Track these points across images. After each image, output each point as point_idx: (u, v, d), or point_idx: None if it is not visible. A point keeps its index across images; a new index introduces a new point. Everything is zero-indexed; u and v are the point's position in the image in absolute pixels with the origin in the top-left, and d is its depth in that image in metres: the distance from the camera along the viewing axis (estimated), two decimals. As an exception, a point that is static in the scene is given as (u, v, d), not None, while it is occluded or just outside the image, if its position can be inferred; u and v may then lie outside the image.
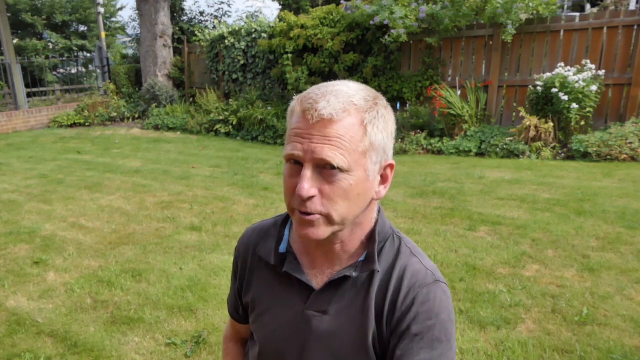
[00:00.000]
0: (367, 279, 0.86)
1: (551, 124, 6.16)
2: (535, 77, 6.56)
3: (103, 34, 13.76)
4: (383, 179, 0.85)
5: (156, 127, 9.89)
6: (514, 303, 2.75)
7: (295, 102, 0.81)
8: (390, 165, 0.85)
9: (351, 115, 0.76)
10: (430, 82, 7.52)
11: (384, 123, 0.81)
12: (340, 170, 0.76)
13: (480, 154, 6.55)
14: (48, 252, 3.73)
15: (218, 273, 3.26)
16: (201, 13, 12.71)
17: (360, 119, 0.77)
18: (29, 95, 11.45)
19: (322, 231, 0.79)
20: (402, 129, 7.24)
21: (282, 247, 0.92)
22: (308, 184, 0.75)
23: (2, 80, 11.38)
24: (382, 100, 0.83)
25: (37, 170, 6.62)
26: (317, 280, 0.89)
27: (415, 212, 4.32)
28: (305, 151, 0.75)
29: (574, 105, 5.89)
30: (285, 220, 0.96)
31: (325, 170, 0.76)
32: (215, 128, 9.13)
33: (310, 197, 0.76)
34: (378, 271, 0.85)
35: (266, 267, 0.94)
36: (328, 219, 0.78)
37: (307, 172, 0.75)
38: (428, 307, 0.82)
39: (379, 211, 0.92)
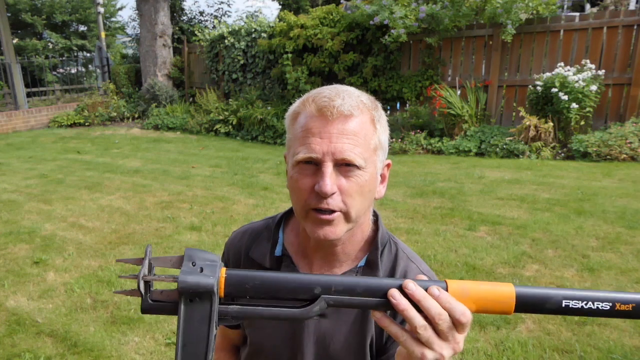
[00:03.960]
0: None
1: (551, 124, 6.16)
2: (535, 77, 6.56)
3: (103, 34, 13.76)
4: (382, 178, 0.86)
5: (156, 127, 9.89)
6: (514, 303, 2.75)
7: (303, 104, 0.80)
8: (388, 165, 0.87)
9: (363, 113, 0.78)
10: (430, 82, 7.52)
11: (385, 124, 0.84)
12: (358, 167, 0.76)
13: (480, 154, 6.55)
14: (48, 252, 3.73)
15: (218, 273, 3.26)
16: (201, 13, 12.72)
17: (371, 117, 0.80)
18: (29, 95, 11.45)
19: (340, 230, 0.79)
20: (402, 129, 7.24)
21: (278, 251, 0.92)
22: (331, 180, 0.75)
23: (2, 80, 11.38)
24: (379, 103, 0.86)
25: (37, 170, 6.62)
26: None
27: (415, 212, 4.32)
28: (324, 152, 0.75)
29: (574, 105, 5.89)
30: (279, 223, 0.95)
31: (343, 167, 0.76)
32: (215, 128, 9.13)
33: (332, 194, 0.76)
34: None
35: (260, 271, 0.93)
36: (346, 217, 0.78)
37: (329, 170, 0.75)
38: None
39: (376, 216, 0.92)
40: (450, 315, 0.58)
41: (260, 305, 0.62)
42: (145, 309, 0.60)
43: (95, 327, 2.69)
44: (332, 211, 0.77)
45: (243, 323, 0.96)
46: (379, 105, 0.84)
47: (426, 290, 0.59)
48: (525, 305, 0.61)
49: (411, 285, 0.59)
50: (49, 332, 2.65)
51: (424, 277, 0.62)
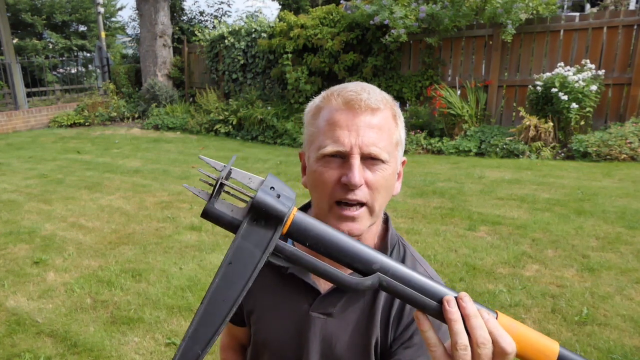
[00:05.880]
0: None
1: (551, 124, 6.16)
2: (535, 77, 6.56)
3: (103, 34, 13.76)
4: (398, 175, 0.86)
5: (156, 127, 9.89)
6: (514, 303, 2.75)
7: (328, 98, 0.80)
8: (403, 162, 0.88)
9: (387, 108, 0.80)
10: (430, 82, 7.52)
11: (403, 121, 0.85)
12: (383, 161, 0.77)
13: (480, 154, 6.55)
14: (48, 252, 3.73)
15: (218, 273, 3.26)
16: (201, 13, 12.72)
17: (393, 113, 0.81)
18: (29, 95, 11.46)
19: (364, 225, 0.79)
20: (402, 129, 7.24)
21: None
22: (359, 172, 0.75)
23: (2, 80, 11.39)
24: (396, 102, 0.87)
25: (37, 170, 6.62)
26: (324, 280, 0.88)
27: (415, 212, 4.32)
28: (352, 144, 0.75)
29: (574, 105, 5.89)
30: None
31: (369, 160, 0.77)
32: (215, 128, 9.13)
33: (360, 186, 0.76)
34: None
35: (268, 268, 0.92)
36: (370, 211, 0.78)
37: (357, 162, 0.75)
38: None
39: (387, 217, 0.92)
40: (495, 343, 0.56)
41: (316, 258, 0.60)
42: (206, 213, 0.59)
43: (95, 327, 2.69)
44: (358, 205, 0.77)
45: (250, 319, 0.96)
46: (395, 103, 0.86)
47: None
48: None
49: (467, 299, 0.58)
50: (49, 332, 2.65)
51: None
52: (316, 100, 0.83)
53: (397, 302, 0.85)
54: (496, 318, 0.59)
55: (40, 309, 2.90)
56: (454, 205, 4.44)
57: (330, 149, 0.76)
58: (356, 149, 0.75)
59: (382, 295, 0.86)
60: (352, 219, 0.77)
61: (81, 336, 2.60)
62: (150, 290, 3.07)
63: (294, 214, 0.59)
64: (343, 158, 0.76)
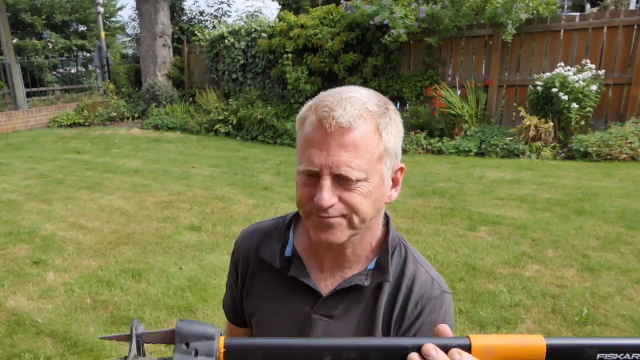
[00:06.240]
0: (377, 287, 0.86)
1: (551, 123, 6.16)
2: (535, 77, 6.55)
3: (103, 34, 13.75)
4: (394, 182, 0.85)
5: (156, 127, 9.89)
6: (514, 303, 2.75)
7: (308, 111, 0.79)
8: (401, 169, 0.86)
9: (367, 122, 0.75)
10: (430, 82, 7.51)
11: (395, 128, 0.81)
12: (357, 180, 0.75)
13: (480, 154, 6.55)
14: (48, 252, 3.73)
15: (218, 273, 3.26)
16: (201, 13, 12.72)
17: (376, 125, 0.77)
18: (28, 95, 11.45)
19: (342, 234, 0.79)
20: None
21: (288, 251, 0.91)
22: (328, 194, 0.74)
23: (2, 80, 11.38)
24: (392, 105, 0.83)
25: (37, 170, 6.62)
26: (325, 283, 0.88)
27: (415, 212, 4.32)
28: (322, 165, 0.74)
29: (574, 105, 5.89)
30: (289, 224, 0.95)
31: (342, 179, 0.75)
32: (215, 128, 9.13)
33: (330, 206, 0.75)
34: (389, 282, 0.86)
35: (269, 271, 0.92)
36: (350, 223, 0.78)
37: (327, 182, 0.74)
38: (433, 318, 0.84)
39: (387, 219, 0.92)
40: None
41: None
42: None
43: (95, 327, 2.69)
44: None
45: (252, 321, 0.96)
46: (391, 107, 0.81)
47: (447, 351, 0.56)
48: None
49: (432, 352, 0.56)
50: (49, 332, 2.65)
51: (447, 330, 0.59)
52: (304, 108, 0.82)
53: (399, 303, 0.85)
54: (469, 344, 0.57)
55: (40, 309, 2.90)
56: (454, 205, 4.44)
57: (302, 167, 0.76)
58: (326, 170, 0.74)
59: (384, 297, 0.86)
60: (329, 225, 0.77)
61: (81, 336, 2.60)
62: (150, 290, 3.07)
63: (222, 353, 0.57)
64: (316, 177, 0.76)
